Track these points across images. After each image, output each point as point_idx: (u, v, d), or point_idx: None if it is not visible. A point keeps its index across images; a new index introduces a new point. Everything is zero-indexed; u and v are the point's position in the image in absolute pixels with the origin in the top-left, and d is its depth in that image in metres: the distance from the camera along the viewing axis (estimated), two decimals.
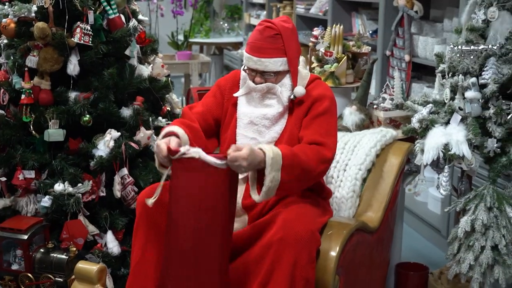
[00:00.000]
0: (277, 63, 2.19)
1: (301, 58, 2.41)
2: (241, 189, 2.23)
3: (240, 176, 2.16)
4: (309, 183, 2.20)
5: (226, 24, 8.32)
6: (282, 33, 2.18)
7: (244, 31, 7.99)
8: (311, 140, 2.20)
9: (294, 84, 2.24)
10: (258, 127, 2.27)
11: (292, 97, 2.24)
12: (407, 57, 3.92)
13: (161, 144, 2.03)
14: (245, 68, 2.26)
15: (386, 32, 4.18)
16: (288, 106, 2.26)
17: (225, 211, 2.01)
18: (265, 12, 7.19)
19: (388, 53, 4.13)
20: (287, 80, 2.25)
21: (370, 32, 4.78)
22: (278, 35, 2.17)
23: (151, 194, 2.17)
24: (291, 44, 2.21)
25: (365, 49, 3.18)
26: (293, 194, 2.22)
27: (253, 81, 2.24)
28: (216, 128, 2.38)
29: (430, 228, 3.80)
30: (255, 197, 2.07)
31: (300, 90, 2.23)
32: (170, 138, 2.08)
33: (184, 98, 4.72)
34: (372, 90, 4.25)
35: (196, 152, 1.96)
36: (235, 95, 2.31)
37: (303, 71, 2.32)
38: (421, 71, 4.09)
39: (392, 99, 2.97)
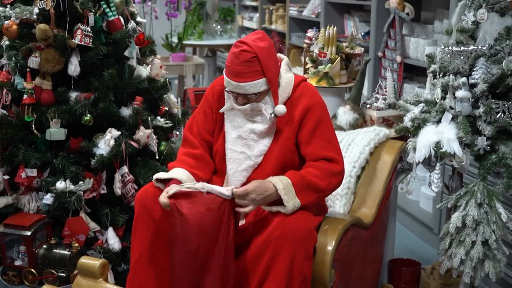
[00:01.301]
0: (257, 85, 2.15)
1: (284, 61, 2.34)
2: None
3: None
4: (325, 196, 2.28)
5: (219, 27, 8.30)
6: (258, 54, 2.13)
7: (237, 33, 8.01)
8: (318, 156, 2.22)
9: (275, 102, 2.21)
10: (246, 141, 2.27)
11: (273, 115, 2.21)
12: (398, 58, 3.96)
13: (164, 201, 2.09)
14: (227, 89, 2.23)
15: (378, 33, 4.22)
16: (275, 120, 2.24)
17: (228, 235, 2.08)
18: (257, 15, 7.20)
19: (380, 54, 4.17)
20: (269, 97, 2.23)
21: (362, 34, 4.80)
22: (255, 58, 2.12)
23: (149, 192, 2.22)
24: (269, 63, 2.17)
25: (358, 50, 3.21)
26: None
27: (236, 101, 2.23)
28: None
29: (422, 226, 3.84)
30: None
31: (280, 109, 2.19)
32: (171, 187, 2.12)
33: (179, 100, 4.75)
34: (365, 91, 4.28)
35: (202, 187, 2.04)
36: (220, 111, 2.29)
37: (287, 76, 2.29)
38: (413, 72, 4.14)
39: (384, 99, 3.00)
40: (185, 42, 7.37)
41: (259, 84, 2.15)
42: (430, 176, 2.63)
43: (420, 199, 4.06)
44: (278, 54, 2.34)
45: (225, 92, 2.28)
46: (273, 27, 6.69)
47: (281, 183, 2.11)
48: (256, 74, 2.14)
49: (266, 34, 2.23)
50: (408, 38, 3.98)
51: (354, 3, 4.86)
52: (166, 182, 2.21)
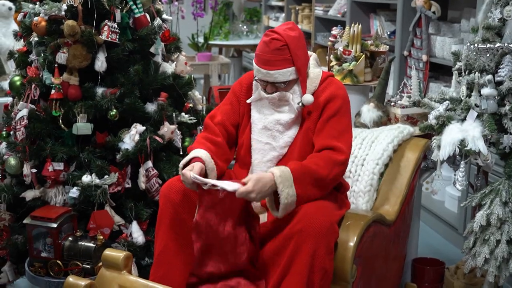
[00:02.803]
0: (286, 74, 2.18)
1: (313, 56, 2.38)
2: None
3: None
4: (328, 188, 2.22)
5: (245, 27, 8.33)
6: (289, 43, 2.16)
7: (262, 33, 8.05)
8: (322, 145, 2.22)
9: (303, 91, 2.25)
10: (272, 132, 2.29)
11: (300, 104, 2.24)
12: (424, 57, 3.93)
13: (186, 173, 2.13)
14: (256, 78, 2.26)
15: (403, 32, 4.19)
16: (301, 111, 2.27)
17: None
18: (283, 15, 7.22)
19: (406, 53, 4.14)
20: (298, 87, 2.25)
21: (388, 33, 4.76)
22: (285, 46, 2.16)
23: (173, 187, 2.26)
24: (298, 52, 2.19)
25: (383, 48, 3.22)
26: None
27: (265, 90, 2.25)
28: (237, 135, 2.42)
29: (446, 226, 3.82)
30: (275, 213, 2.14)
31: (308, 98, 2.23)
32: (194, 165, 2.16)
33: (205, 98, 4.77)
34: (390, 90, 4.27)
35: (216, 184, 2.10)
36: (248, 101, 2.32)
37: (315, 71, 2.31)
38: (439, 71, 4.10)
39: (409, 97, 2.99)
40: (211, 42, 7.42)
41: (288, 73, 2.18)
42: (455, 174, 2.62)
43: (445, 199, 4.06)
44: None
45: (253, 83, 2.31)
46: (299, 27, 6.68)
47: (279, 170, 2.10)
48: (286, 63, 2.16)
49: (296, 25, 2.26)
50: (434, 37, 3.95)
51: (380, 2, 4.83)
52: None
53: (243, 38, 8.15)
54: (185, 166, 2.23)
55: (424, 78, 3.99)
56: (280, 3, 7.48)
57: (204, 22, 6.96)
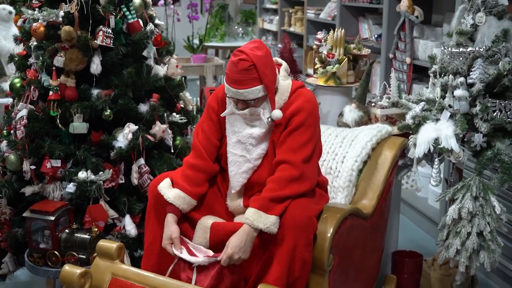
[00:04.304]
0: (255, 92, 2.20)
1: (283, 67, 2.38)
2: (240, 192, 2.38)
3: (238, 188, 2.35)
4: (300, 194, 2.24)
5: (240, 29, 8.37)
6: (256, 62, 2.18)
7: (257, 35, 8.09)
8: (278, 160, 2.25)
9: (272, 107, 2.27)
10: (245, 145, 2.32)
11: (269, 120, 2.27)
12: (408, 60, 4.02)
13: (169, 250, 2.24)
14: (227, 95, 2.28)
15: (389, 36, 4.28)
16: (272, 124, 2.30)
17: None
18: (277, 17, 7.30)
19: (391, 56, 4.23)
20: (267, 102, 2.28)
21: (376, 36, 4.87)
22: (252, 66, 2.17)
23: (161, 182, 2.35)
24: (266, 70, 2.21)
25: (365, 51, 3.29)
26: None
27: (237, 106, 2.28)
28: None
29: (429, 221, 3.91)
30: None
31: (276, 113, 2.25)
32: (174, 240, 2.24)
33: (198, 99, 4.86)
34: (377, 91, 4.37)
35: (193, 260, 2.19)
36: (222, 115, 2.34)
37: (285, 83, 2.33)
38: (422, 73, 4.18)
39: (389, 98, 3.07)
40: (207, 44, 7.44)
41: (257, 91, 2.21)
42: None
43: (429, 196, 4.15)
44: (276, 59, 2.39)
45: (226, 97, 2.35)
46: (291, 29, 6.78)
47: (249, 218, 2.16)
48: (254, 81, 2.19)
49: (263, 43, 2.28)
50: (418, 40, 4.03)
51: (368, 6, 4.92)
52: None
53: (238, 40, 8.20)
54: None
55: (408, 80, 4.07)
56: (274, 6, 7.55)
57: (200, 24, 6.98)
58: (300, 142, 2.25)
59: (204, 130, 2.40)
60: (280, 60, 2.42)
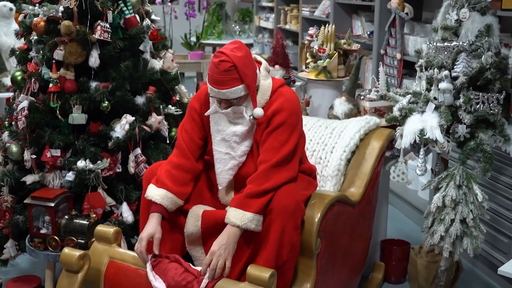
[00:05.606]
0: (236, 91, 2.24)
1: (263, 66, 2.41)
2: (231, 187, 2.43)
3: (224, 184, 2.40)
4: (280, 184, 2.28)
5: (237, 27, 8.41)
6: (236, 63, 2.21)
7: (254, 33, 8.15)
8: (260, 160, 2.30)
9: (253, 105, 2.30)
10: (230, 143, 2.36)
11: (251, 118, 2.30)
12: (398, 56, 4.09)
13: (142, 255, 2.28)
14: (210, 95, 2.32)
15: (381, 32, 4.35)
16: (254, 122, 2.34)
17: None
18: (273, 15, 7.37)
19: (382, 52, 4.29)
20: (249, 102, 2.32)
21: (368, 33, 4.93)
22: (233, 67, 2.21)
23: (155, 171, 2.42)
24: (246, 70, 2.25)
25: (355, 46, 3.37)
26: None
27: (220, 105, 2.32)
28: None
29: (419, 213, 3.96)
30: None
31: (258, 111, 2.29)
32: (155, 241, 2.28)
33: (194, 93, 4.90)
34: (369, 85, 4.45)
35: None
36: (205, 114, 2.37)
37: (266, 83, 2.36)
38: (413, 69, 4.19)
39: (377, 91, 3.15)
40: (204, 41, 7.49)
41: (238, 90, 2.25)
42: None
43: (419, 189, 4.21)
44: (254, 56, 2.42)
45: (209, 97, 2.41)
46: (287, 27, 6.85)
47: (227, 217, 2.23)
48: (235, 81, 2.24)
49: (243, 44, 2.33)
50: (408, 37, 4.10)
51: (361, 4, 4.99)
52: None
53: (235, 37, 8.22)
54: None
55: (399, 75, 4.14)
56: (270, 4, 7.60)
57: (198, 22, 7.02)
58: (281, 141, 2.30)
59: (187, 130, 2.44)
60: (259, 58, 2.46)
